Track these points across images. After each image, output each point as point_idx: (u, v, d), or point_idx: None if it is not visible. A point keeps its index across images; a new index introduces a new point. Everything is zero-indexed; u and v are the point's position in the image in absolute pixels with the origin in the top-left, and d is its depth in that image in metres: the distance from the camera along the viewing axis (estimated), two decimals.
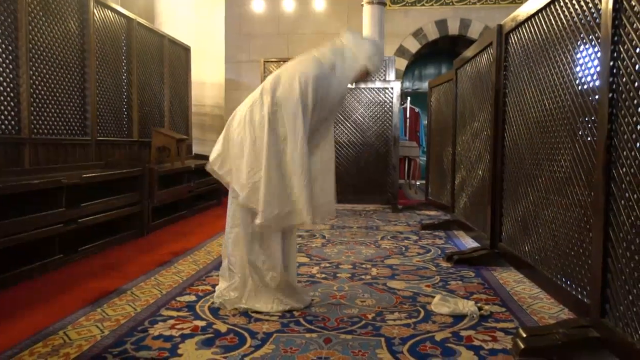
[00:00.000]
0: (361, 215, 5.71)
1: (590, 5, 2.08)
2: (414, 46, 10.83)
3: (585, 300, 2.05)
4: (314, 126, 2.36)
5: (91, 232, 3.76)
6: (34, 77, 3.73)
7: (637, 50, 1.69)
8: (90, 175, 3.76)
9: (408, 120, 9.36)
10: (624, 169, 1.76)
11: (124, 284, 2.86)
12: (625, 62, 1.77)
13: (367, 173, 6.11)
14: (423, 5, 10.75)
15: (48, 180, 3.28)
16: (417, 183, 8.95)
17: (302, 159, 2.27)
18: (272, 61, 8.14)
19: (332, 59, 2.41)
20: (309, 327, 2.21)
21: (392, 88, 6.07)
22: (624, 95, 1.77)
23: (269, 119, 2.30)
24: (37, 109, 3.79)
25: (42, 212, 3.14)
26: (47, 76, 3.89)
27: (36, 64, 3.75)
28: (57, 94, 4.02)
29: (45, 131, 3.88)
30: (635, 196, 1.69)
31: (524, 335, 1.95)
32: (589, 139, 2.09)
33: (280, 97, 2.31)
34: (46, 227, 3.16)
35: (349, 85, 2.51)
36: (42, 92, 3.84)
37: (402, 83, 10.21)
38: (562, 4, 2.38)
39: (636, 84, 1.70)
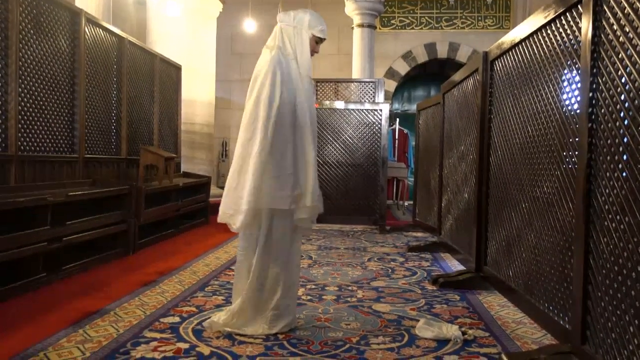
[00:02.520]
0: (349, 235, 5.72)
1: (571, 37, 2.14)
2: (403, 68, 10.99)
3: (567, 326, 2.07)
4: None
5: (76, 250, 3.73)
6: (22, 94, 3.72)
7: (615, 83, 1.74)
8: (76, 193, 3.75)
9: (397, 141, 9.44)
10: (603, 198, 1.80)
11: (108, 304, 2.83)
12: (604, 94, 1.82)
13: (356, 193, 6.13)
14: (413, 29, 10.94)
15: (33, 198, 3.26)
16: (405, 204, 8.99)
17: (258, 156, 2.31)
18: None
19: (281, 45, 2.47)
20: (293, 351, 2.20)
21: (380, 110, 6.14)
22: (602, 126, 1.82)
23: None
24: (25, 126, 3.78)
25: (27, 230, 3.12)
26: (36, 93, 3.89)
27: (25, 81, 3.75)
28: (46, 111, 4.02)
29: (33, 148, 3.87)
30: (613, 225, 1.73)
31: None
32: (570, 166, 2.13)
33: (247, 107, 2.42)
34: (30, 246, 3.13)
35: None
36: (31, 109, 3.83)
37: (391, 104, 10.33)
38: (544, 34, 2.45)
39: (614, 115, 1.74)
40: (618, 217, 1.70)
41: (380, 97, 7.85)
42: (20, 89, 3.68)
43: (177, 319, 2.60)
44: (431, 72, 11.66)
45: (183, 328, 2.46)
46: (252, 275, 2.37)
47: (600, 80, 1.85)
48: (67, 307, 2.79)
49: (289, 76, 2.42)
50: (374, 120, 6.14)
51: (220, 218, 2.44)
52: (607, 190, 1.78)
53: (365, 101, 7.58)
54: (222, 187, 9.28)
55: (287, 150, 2.36)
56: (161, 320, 2.58)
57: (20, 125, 3.70)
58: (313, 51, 2.53)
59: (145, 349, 2.18)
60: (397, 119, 9.63)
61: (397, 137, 9.45)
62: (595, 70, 1.88)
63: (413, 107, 10.13)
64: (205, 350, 2.19)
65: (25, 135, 3.78)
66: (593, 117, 1.88)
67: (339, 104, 6.21)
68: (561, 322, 2.14)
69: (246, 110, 2.42)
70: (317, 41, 2.53)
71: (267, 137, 2.32)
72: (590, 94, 1.89)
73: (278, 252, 2.40)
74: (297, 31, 2.48)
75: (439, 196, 4.89)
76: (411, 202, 7.27)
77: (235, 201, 2.35)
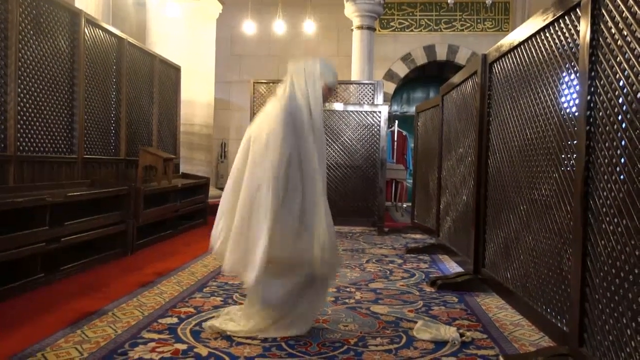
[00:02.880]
0: (347, 237, 5.72)
1: (570, 40, 2.15)
2: (402, 70, 11.01)
3: (565, 328, 2.08)
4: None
5: (75, 250, 3.72)
6: (22, 94, 3.73)
7: (613, 86, 1.75)
8: (74, 193, 3.75)
9: (395, 143, 9.45)
10: (601, 200, 1.81)
11: (106, 305, 2.83)
12: (602, 97, 1.83)
13: (354, 195, 6.13)
14: (412, 31, 10.96)
15: (32, 198, 3.26)
16: (404, 205, 9.00)
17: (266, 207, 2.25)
18: (262, 82, 8.21)
19: (292, 96, 2.40)
20: (291, 352, 2.20)
21: (379, 112, 6.14)
22: (600, 129, 1.83)
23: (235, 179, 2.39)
24: (24, 127, 3.78)
25: (25, 231, 3.12)
26: (36, 93, 3.89)
27: (25, 81, 3.76)
28: (45, 112, 4.02)
29: (31, 149, 3.87)
30: (611, 227, 1.73)
31: None
32: (568, 169, 2.14)
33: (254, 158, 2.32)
34: (29, 246, 3.12)
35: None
36: (30, 110, 3.83)
37: (390, 106, 10.34)
38: (543, 37, 2.46)
39: (612, 118, 1.75)
40: (616, 219, 1.70)
41: (379, 99, 7.86)
42: (19, 89, 3.69)
43: (175, 320, 2.60)
44: (430, 75, 11.68)
45: (181, 329, 2.46)
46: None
47: (598, 84, 1.86)
48: (65, 308, 2.79)
49: (301, 127, 2.36)
50: (373, 122, 6.15)
51: (230, 271, 2.40)
52: (604, 193, 1.79)
53: (364, 103, 7.59)
54: (221, 189, 9.26)
55: (296, 204, 2.30)
56: (159, 321, 2.58)
57: (19, 126, 3.70)
58: (327, 98, 2.51)
59: (144, 349, 2.18)
60: (396, 121, 9.64)
61: (395, 139, 9.46)
62: (593, 74, 1.89)
63: (412, 109, 10.15)
64: (203, 351, 2.19)
65: (24, 135, 3.78)
66: (591, 120, 1.89)
67: (338, 106, 6.22)
68: (559, 325, 2.14)
69: (255, 154, 2.32)
70: (329, 89, 2.51)
71: (278, 193, 2.25)
72: (589, 97, 1.89)
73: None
74: (309, 81, 2.42)
75: (438, 198, 4.89)
76: (410, 204, 7.28)
77: (246, 256, 2.27)
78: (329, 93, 2.52)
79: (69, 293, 3.11)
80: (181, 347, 2.23)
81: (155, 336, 2.35)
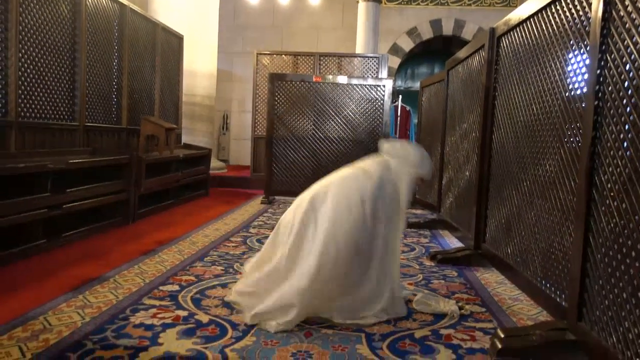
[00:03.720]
0: None
1: (581, 13, 2.11)
2: (407, 45, 10.86)
3: (563, 303, 2.09)
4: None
5: (76, 218, 3.74)
6: (22, 60, 3.69)
7: (624, 60, 1.72)
8: (76, 161, 3.74)
9: (399, 118, 9.38)
10: (606, 176, 1.79)
11: (107, 272, 2.85)
12: (612, 71, 1.79)
13: None
14: (418, 4, 10.78)
15: (34, 164, 3.25)
16: None
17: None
18: (265, 53, 8.13)
19: (384, 177, 2.34)
20: None
21: (383, 85, 6.08)
22: (609, 104, 1.80)
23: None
24: (25, 92, 3.75)
25: (27, 197, 3.12)
26: (37, 60, 3.85)
27: (25, 47, 3.71)
28: (46, 78, 3.99)
29: (33, 115, 3.85)
30: (615, 203, 1.72)
31: (502, 335, 1.98)
32: (574, 145, 2.12)
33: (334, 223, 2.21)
34: (30, 212, 3.13)
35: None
36: (31, 76, 3.80)
37: (394, 81, 10.24)
38: (553, 10, 2.41)
39: (621, 93, 1.72)
40: (620, 195, 1.69)
41: (384, 73, 7.78)
42: (20, 54, 3.65)
43: (176, 288, 2.62)
44: (436, 50, 11.54)
45: (182, 296, 2.48)
46: None
47: (609, 58, 1.82)
48: (66, 273, 2.81)
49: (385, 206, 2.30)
50: (377, 96, 6.09)
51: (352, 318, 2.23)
52: (610, 169, 1.77)
53: (368, 77, 7.51)
54: (223, 160, 9.24)
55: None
56: (160, 288, 2.60)
57: (20, 91, 3.68)
58: (417, 186, 2.47)
59: (145, 315, 2.20)
60: (400, 96, 9.56)
61: (399, 114, 9.39)
62: (604, 47, 1.85)
63: (416, 85, 10.04)
64: (204, 318, 2.21)
65: (25, 101, 3.76)
66: (600, 94, 1.86)
67: (342, 79, 6.15)
68: (558, 300, 2.15)
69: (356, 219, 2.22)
70: (422, 179, 2.50)
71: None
72: (598, 71, 1.86)
73: None
74: (402, 167, 2.39)
75: (440, 174, 4.88)
76: None
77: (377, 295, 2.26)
78: (421, 184, 2.48)
79: (71, 259, 3.13)
80: (182, 313, 2.25)
81: (156, 303, 2.37)
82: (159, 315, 2.21)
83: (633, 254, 1.60)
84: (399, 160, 2.42)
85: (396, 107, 9.28)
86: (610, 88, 1.80)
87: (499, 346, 1.93)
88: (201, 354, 1.84)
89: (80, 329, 2.02)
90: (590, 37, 1.95)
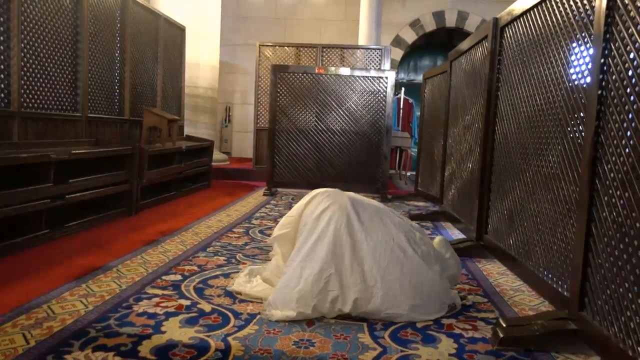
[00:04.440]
0: None
1: (585, 2, 2.09)
2: (410, 37, 10.83)
3: (565, 293, 2.09)
4: None
5: (79, 209, 3.75)
6: (25, 50, 3.68)
7: (628, 49, 1.71)
8: (79, 151, 3.74)
9: (401, 110, 9.36)
10: (609, 166, 1.79)
11: (110, 261, 2.86)
12: (615, 60, 1.78)
13: (358, 162, 6.11)
14: None
15: (36, 154, 3.26)
16: (408, 174, 8.99)
17: None
18: (267, 45, 8.10)
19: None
20: None
21: (386, 77, 6.06)
22: (612, 93, 1.79)
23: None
24: (28, 83, 3.75)
25: (30, 187, 3.13)
26: (39, 50, 3.85)
27: (28, 37, 3.71)
28: (49, 69, 3.98)
29: (35, 105, 3.85)
30: (618, 193, 1.72)
31: (504, 325, 1.99)
32: (577, 135, 2.11)
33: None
34: (33, 202, 3.14)
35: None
36: (33, 66, 3.80)
37: (397, 74, 10.21)
38: (557, 0, 2.39)
39: (625, 82, 1.71)
40: (624, 185, 1.69)
41: (387, 64, 7.76)
42: (22, 45, 3.64)
43: (179, 277, 2.63)
44: (438, 42, 11.49)
45: (185, 286, 2.49)
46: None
47: (612, 46, 1.81)
48: (69, 263, 2.82)
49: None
50: (379, 88, 6.08)
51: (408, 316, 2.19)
52: (613, 158, 1.76)
53: (371, 69, 7.49)
54: (225, 152, 9.25)
55: None
56: (163, 277, 2.61)
57: (22, 82, 3.68)
58: None
59: (148, 304, 2.21)
60: (403, 88, 9.53)
61: (402, 106, 9.37)
62: (608, 36, 1.84)
63: (419, 77, 10.01)
64: (207, 307, 2.22)
65: (28, 92, 3.76)
66: (603, 83, 1.86)
67: (345, 71, 6.14)
68: (559, 290, 2.16)
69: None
70: None
71: None
72: (602, 60, 1.85)
73: None
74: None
75: (442, 166, 4.87)
76: (414, 173, 7.26)
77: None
78: None
79: (73, 249, 3.14)
80: (185, 302, 2.26)
81: (159, 292, 2.38)
82: (162, 304, 2.22)
83: (635, 243, 1.60)
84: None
85: (399, 99, 9.26)
86: (614, 77, 1.79)
87: (501, 335, 1.93)
88: (204, 342, 1.85)
89: (83, 317, 2.03)
90: (594, 26, 1.94)
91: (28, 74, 3.74)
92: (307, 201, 2.42)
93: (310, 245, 2.23)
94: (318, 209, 2.33)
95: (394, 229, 2.31)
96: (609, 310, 1.73)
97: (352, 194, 2.49)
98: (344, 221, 2.27)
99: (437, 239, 2.58)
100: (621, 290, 1.67)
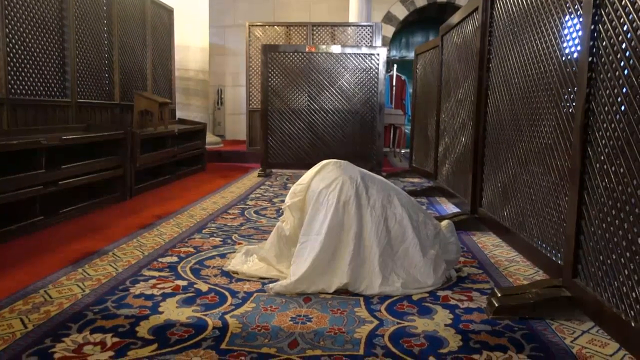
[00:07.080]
0: None
1: None
2: (401, 13, 10.70)
3: (559, 261, 2.11)
4: None
5: (73, 194, 3.73)
6: (10, 36, 3.62)
7: (618, 14, 1.69)
8: (70, 137, 3.71)
9: (394, 88, 9.32)
10: (600, 132, 1.79)
11: (106, 246, 2.86)
12: (605, 26, 1.77)
13: (352, 140, 6.10)
14: None
15: (27, 141, 3.23)
16: (402, 151, 8.98)
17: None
18: (257, 25, 8.00)
19: None
20: None
21: (378, 54, 6.02)
22: (603, 59, 1.79)
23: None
24: (15, 69, 3.70)
25: (21, 174, 3.10)
26: (24, 35, 3.79)
27: (12, 22, 3.65)
28: (35, 54, 3.93)
29: (24, 92, 3.81)
30: (610, 160, 1.72)
31: (499, 294, 2.01)
32: (569, 104, 2.10)
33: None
34: (26, 189, 3.12)
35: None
36: (20, 52, 3.74)
37: (389, 51, 10.13)
38: None
39: (615, 47, 1.70)
40: (615, 151, 1.69)
41: (378, 42, 7.69)
42: (7, 30, 3.58)
43: (175, 259, 2.63)
44: (430, 18, 11.37)
45: (181, 267, 2.50)
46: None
47: (602, 12, 1.80)
48: (65, 249, 2.82)
49: None
50: (371, 66, 6.03)
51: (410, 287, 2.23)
52: (604, 125, 1.76)
53: (362, 46, 7.42)
54: (219, 135, 9.19)
55: None
56: (159, 260, 2.62)
57: (9, 68, 3.63)
58: None
59: (144, 286, 2.22)
60: (395, 65, 9.47)
61: (394, 83, 9.33)
62: (598, 1, 1.82)
63: (411, 55, 9.94)
64: (204, 287, 2.22)
65: (15, 78, 3.71)
66: (594, 50, 1.84)
67: (336, 48, 6.08)
68: (553, 259, 2.17)
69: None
70: None
71: None
72: (592, 27, 1.84)
73: None
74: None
75: (436, 141, 4.87)
76: (408, 151, 7.26)
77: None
78: None
79: (69, 235, 3.14)
80: (181, 283, 2.26)
81: (156, 274, 2.39)
82: (159, 286, 2.22)
83: (627, 208, 1.61)
84: None
85: (391, 76, 9.21)
86: (604, 43, 1.78)
87: (496, 304, 1.95)
88: (201, 320, 1.86)
89: (80, 301, 2.03)
90: None
91: (15, 60, 3.68)
92: (317, 170, 2.44)
93: (321, 219, 2.25)
94: (327, 179, 2.35)
95: (399, 209, 2.32)
96: (602, 277, 1.75)
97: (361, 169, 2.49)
98: (352, 193, 2.28)
99: (445, 222, 2.58)
100: (614, 256, 1.68)
